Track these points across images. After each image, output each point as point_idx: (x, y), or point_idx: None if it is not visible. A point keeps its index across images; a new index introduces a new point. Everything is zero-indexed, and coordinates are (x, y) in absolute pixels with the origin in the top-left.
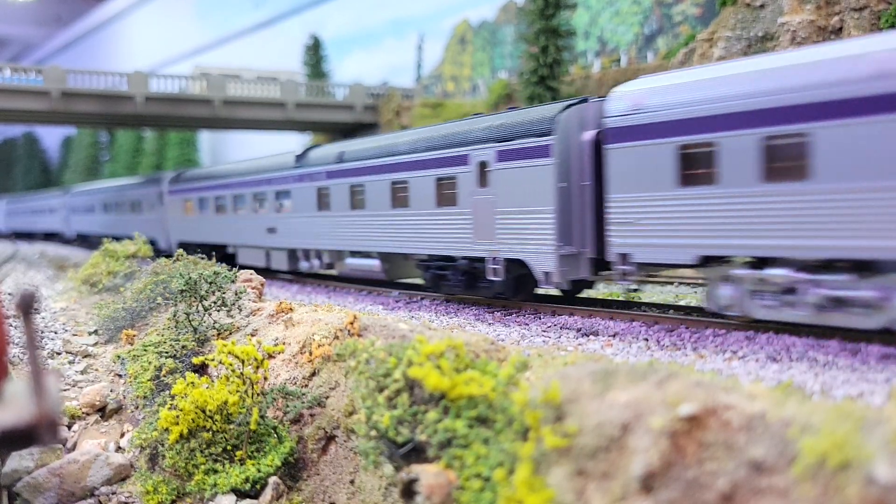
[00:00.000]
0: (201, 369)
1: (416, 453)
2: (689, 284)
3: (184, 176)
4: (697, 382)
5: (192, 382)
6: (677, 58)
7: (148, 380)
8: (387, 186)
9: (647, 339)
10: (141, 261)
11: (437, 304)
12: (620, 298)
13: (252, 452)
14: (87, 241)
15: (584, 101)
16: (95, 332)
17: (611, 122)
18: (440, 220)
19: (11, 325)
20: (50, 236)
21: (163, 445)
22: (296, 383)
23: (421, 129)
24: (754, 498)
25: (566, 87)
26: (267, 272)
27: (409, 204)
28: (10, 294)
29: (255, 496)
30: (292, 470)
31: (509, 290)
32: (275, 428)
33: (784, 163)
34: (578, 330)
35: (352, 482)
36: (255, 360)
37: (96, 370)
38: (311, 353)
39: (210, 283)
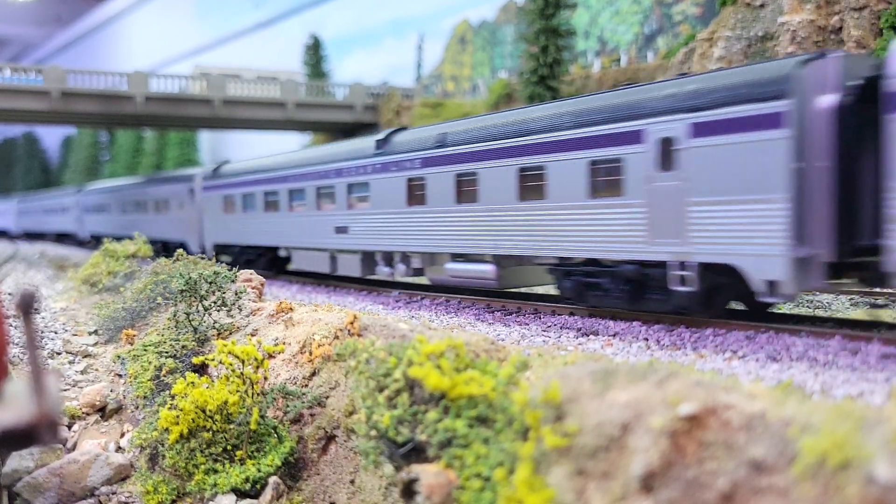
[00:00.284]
0: (201, 369)
1: (417, 453)
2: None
3: (224, 170)
4: (697, 382)
5: (192, 382)
6: (677, 57)
7: (148, 380)
8: (512, 174)
9: (647, 339)
10: (141, 261)
11: (437, 303)
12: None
13: (252, 452)
14: (102, 244)
15: (822, 55)
16: (95, 331)
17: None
18: (594, 215)
19: (11, 325)
20: (63, 238)
21: (163, 445)
22: (296, 383)
23: (562, 101)
24: (754, 497)
25: (566, 86)
26: (325, 278)
27: (546, 195)
28: (10, 294)
29: (256, 496)
30: (292, 470)
31: (699, 304)
32: (275, 428)
33: None
34: (578, 329)
35: (352, 482)
36: (256, 359)
37: (96, 370)
38: (311, 353)
39: (210, 282)
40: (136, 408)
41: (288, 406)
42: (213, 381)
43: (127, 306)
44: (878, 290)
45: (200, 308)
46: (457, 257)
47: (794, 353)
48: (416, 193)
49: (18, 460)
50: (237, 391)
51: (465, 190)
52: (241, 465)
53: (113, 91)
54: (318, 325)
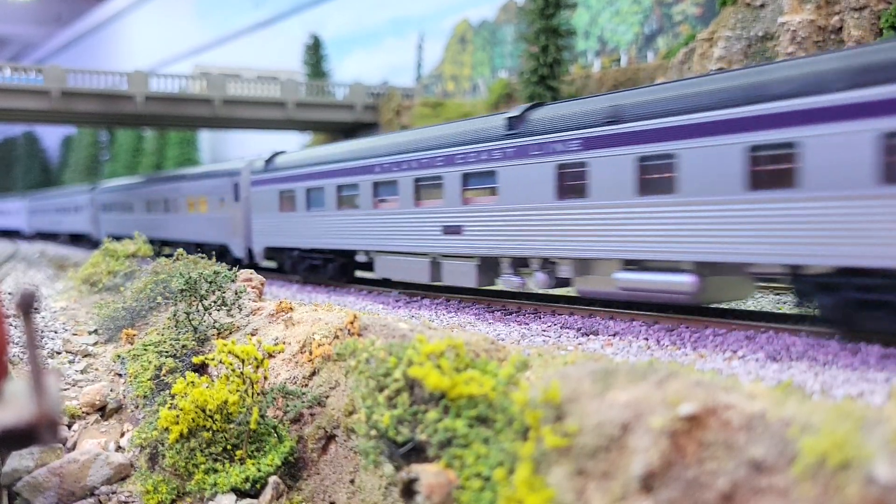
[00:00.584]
0: (201, 369)
1: (416, 453)
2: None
3: (280, 161)
4: (697, 382)
5: (192, 382)
6: (677, 57)
7: (148, 379)
8: (737, 155)
9: (647, 339)
10: (141, 260)
11: (437, 303)
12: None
13: (252, 452)
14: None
15: None
16: (95, 331)
17: None
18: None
19: (11, 325)
20: (77, 239)
21: (163, 445)
22: (296, 383)
23: (830, 52)
24: (754, 497)
25: (566, 86)
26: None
27: (802, 182)
28: (10, 293)
29: (255, 496)
30: (292, 469)
31: None
32: (275, 427)
33: None
34: (578, 329)
35: (352, 482)
36: (256, 359)
37: (96, 369)
38: (311, 353)
39: (210, 282)
40: (136, 407)
41: (288, 406)
42: (213, 381)
43: (127, 306)
44: None
45: (200, 307)
46: (630, 264)
47: (793, 353)
48: (569, 183)
49: (18, 460)
50: (237, 391)
51: (653, 178)
52: (241, 464)
53: (113, 90)
54: (318, 324)
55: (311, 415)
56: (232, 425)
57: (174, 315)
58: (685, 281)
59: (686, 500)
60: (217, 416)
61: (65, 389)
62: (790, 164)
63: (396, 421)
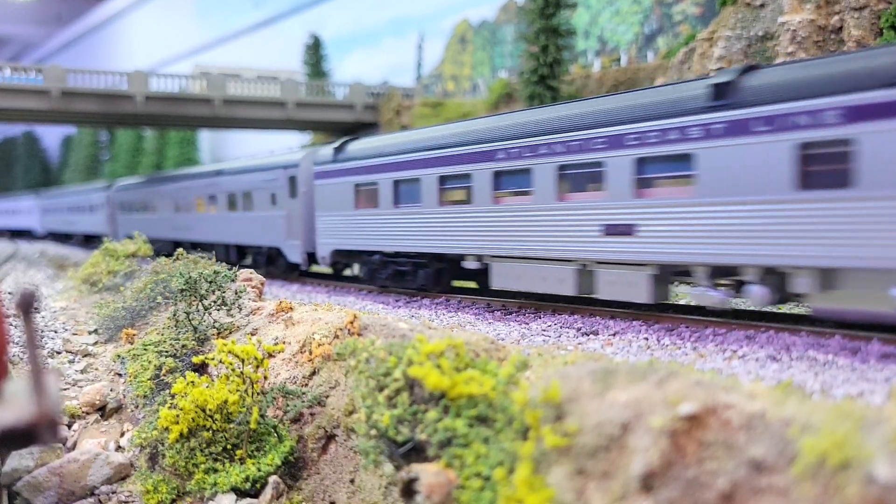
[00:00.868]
0: (201, 368)
1: (416, 452)
2: (689, 284)
3: (354, 148)
4: (697, 382)
5: (192, 381)
6: (677, 57)
7: (148, 379)
8: None
9: (647, 339)
10: (141, 260)
11: (437, 303)
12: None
13: (252, 451)
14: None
15: None
16: (95, 331)
17: None
18: None
19: (11, 325)
20: (92, 241)
21: (163, 444)
22: (296, 382)
23: None
24: (754, 497)
25: (566, 86)
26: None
27: None
28: (10, 293)
29: (255, 495)
30: (292, 469)
31: None
32: (275, 427)
33: None
34: (578, 329)
35: (352, 481)
36: (256, 359)
37: (96, 369)
38: (311, 353)
39: (210, 282)
40: (136, 407)
41: (288, 405)
42: (213, 381)
43: (127, 305)
44: None
45: (200, 307)
46: None
47: (794, 353)
48: (819, 169)
49: (18, 459)
50: (237, 390)
51: None
52: (241, 464)
53: (113, 90)
54: (318, 324)
55: (311, 414)
56: (232, 425)
57: (174, 315)
58: None
59: (686, 499)
60: (217, 416)
61: (65, 389)
62: None
63: (396, 420)
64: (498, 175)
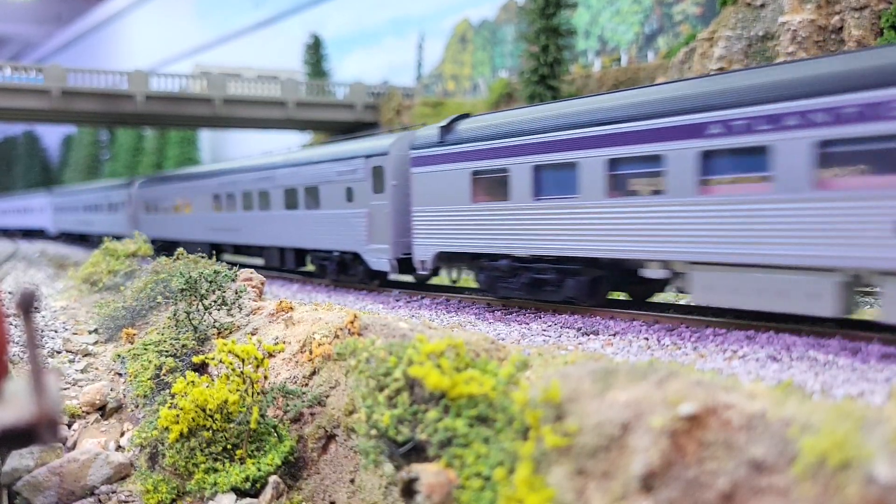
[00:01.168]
0: (201, 368)
1: (417, 452)
2: None
3: (468, 128)
4: (698, 382)
5: (193, 381)
6: (678, 57)
7: (148, 379)
8: None
9: (647, 339)
10: (141, 259)
11: (437, 302)
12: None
13: (252, 451)
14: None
15: None
16: (95, 330)
17: None
18: None
19: (12, 324)
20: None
21: (163, 444)
22: (296, 382)
23: None
24: (754, 497)
25: (567, 86)
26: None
27: None
28: (10, 293)
29: (256, 495)
30: (292, 469)
31: None
32: (275, 427)
33: None
34: (579, 329)
35: (352, 481)
36: (256, 358)
37: (96, 369)
38: (311, 352)
39: (210, 281)
40: (136, 407)
41: (288, 405)
42: (213, 380)
43: (127, 305)
44: None
45: (200, 307)
46: None
47: (794, 353)
48: None
49: (18, 459)
50: (237, 390)
51: None
52: (241, 464)
53: (113, 90)
54: (318, 324)
55: (312, 414)
56: (232, 425)
57: (174, 314)
58: None
59: (686, 499)
60: (217, 416)
61: (65, 389)
62: None
63: (396, 420)
64: (707, 156)
